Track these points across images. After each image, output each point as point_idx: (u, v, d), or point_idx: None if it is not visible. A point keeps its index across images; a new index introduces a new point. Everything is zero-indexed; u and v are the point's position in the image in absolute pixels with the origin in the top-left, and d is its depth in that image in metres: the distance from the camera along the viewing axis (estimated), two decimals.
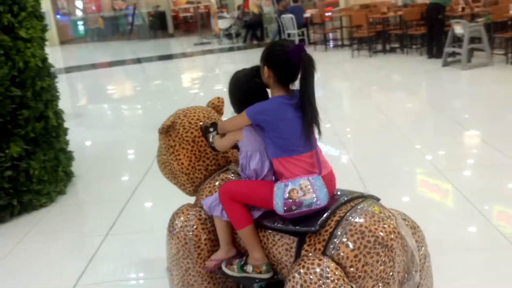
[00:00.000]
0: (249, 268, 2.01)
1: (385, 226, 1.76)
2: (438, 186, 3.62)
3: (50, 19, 21.85)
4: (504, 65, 7.58)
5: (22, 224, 3.51)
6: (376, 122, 5.45)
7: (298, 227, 1.87)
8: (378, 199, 1.97)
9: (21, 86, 3.48)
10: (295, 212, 1.86)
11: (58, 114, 4.06)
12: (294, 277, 1.73)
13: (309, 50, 10.19)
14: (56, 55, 19.27)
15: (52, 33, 21.89)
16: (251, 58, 12.10)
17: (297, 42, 11.96)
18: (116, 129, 6.32)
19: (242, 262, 2.03)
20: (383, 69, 8.75)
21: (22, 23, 3.54)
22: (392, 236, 1.75)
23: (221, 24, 14.98)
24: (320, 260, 1.71)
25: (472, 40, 7.78)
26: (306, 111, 1.94)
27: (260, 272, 1.99)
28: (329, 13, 12.31)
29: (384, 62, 9.26)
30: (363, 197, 1.95)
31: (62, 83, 11.74)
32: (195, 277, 2.12)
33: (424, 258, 1.94)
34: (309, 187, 1.86)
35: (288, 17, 11.98)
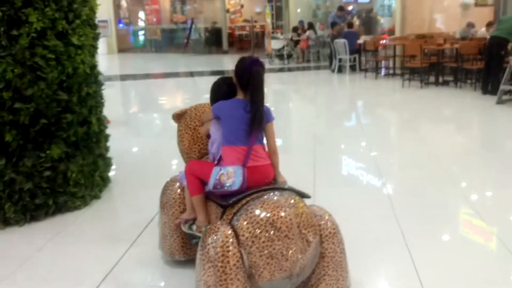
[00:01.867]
0: (193, 227, 2.64)
1: (282, 212, 2.17)
2: (476, 228, 3.43)
3: (112, 28, 22.75)
4: None
5: (55, 224, 3.59)
6: (420, 156, 5.25)
7: (222, 201, 2.39)
8: (304, 196, 2.40)
9: (68, 91, 3.59)
10: (219, 190, 2.42)
11: (101, 121, 4.17)
12: (201, 236, 2.28)
13: (360, 77, 10.18)
14: (113, 62, 19.98)
15: (111, 41, 22.77)
16: (298, 79, 12.11)
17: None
18: (159, 139, 6.41)
19: (191, 223, 2.66)
20: (433, 101, 8.52)
21: (76, 30, 3.66)
22: (284, 221, 2.15)
23: (274, 44, 15.09)
24: (219, 226, 2.21)
25: None
26: (252, 113, 2.47)
27: (200, 232, 2.54)
28: (384, 41, 12.18)
29: (435, 95, 9.02)
30: (290, 190, 2.39)
31: (115, 90, 12.29)
32: None
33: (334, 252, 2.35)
34: (232, 174, 2.40)
35: (341, 42, 11.92)
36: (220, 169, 2.44)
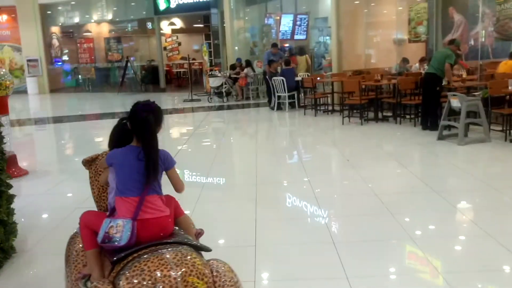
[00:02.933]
0: (89, 284, 2.43)
1: (166, 271, 2.04)
2: (417, 260, 3.36)
3: (42, 67, 21.74)
4: (502, 142, 7.21)
5: None
6: (361, 195, 5.04)
7: (111, 257, 2.23)
8: (203, 250, 2.33)
9: None
10: (107, 244, 2.27)
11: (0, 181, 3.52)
12: None
13: (299, 114, 9.94)
14: (44, 103, 18.95)
15: (43, 81, 21.72)
16: (237, 117, 11.76)
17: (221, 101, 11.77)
18: (86, 191, 5.74)
19: (87, 279, 2.44)
20: (374, 138, 8.36)
21: None
22: (167, 280, 2.02)
23: (212, 82, 14.74)
24: (99, 286, 2.08)
25: (468, 114, 7.45)
26: (145, 163, 2.35)
27: None
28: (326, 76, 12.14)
29: (375, 131, 8.89)
30: (186, 244, 2.27)
31: (44, 133, 11.45)
32: None
33: None
34: (121, 227, 2.25)
35: (278, 79, 11.73)
36: (110, 222, 2.30)
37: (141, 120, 2.40)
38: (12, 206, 3.80)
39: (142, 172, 2.35)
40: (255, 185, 5.59)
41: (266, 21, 16.78)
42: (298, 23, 15.53)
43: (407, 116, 9.50)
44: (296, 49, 15.68)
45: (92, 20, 22.42)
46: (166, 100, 17.93)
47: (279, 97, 12.01)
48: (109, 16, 22.08)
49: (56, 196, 5.61)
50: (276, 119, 11.43)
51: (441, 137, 7.51)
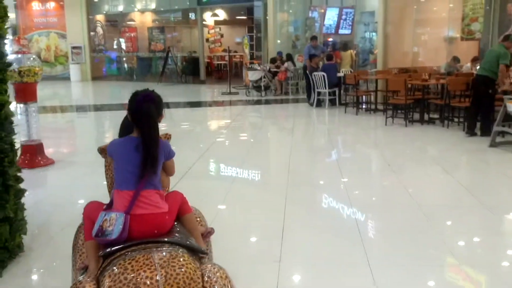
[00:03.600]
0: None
1: (149, 272, 1.91)
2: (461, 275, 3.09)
3: (86, 54, 21.97)
4: None
5: None
6: (400, 202, 4.65)
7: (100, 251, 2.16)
8: (199, 252, 2.22)
9: None
10: (100, 238, 2.17)
11: (7, 175, 3.26)
12: None
13: (340, 112, 9.45)
14: (85, 90, 19.13)
15: (85, 68, 21.96)
16: (275, 112, 11.37)
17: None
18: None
19: (84, 270, 2.29)
20: (418, 141, 7.80)
21: None
22: (149, 282, 1.89)
23: (251, 75, 14.38)
24: (83, 282, 2.00)
25: None
26: (143, 155, 2.25)
27: None
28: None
29: (420, 134, 8.31)
30: (179, 245, 2.14)
31: (82, 121, 11.43)
32: None
33: None
34: (114, 220, 2.16)
35: (319, 74, 11.25)
36: (105, 214, 2.21)
37: (141, 111, 2.30)
38: (27, 199, 3.56)
39: (138, 164, 2.25)
40: (286, 185, 5.26)
41: (310, 14, 16.26)
42: (343, 17, 14.98)
43: (456, 120, 8.86)
44: (340, 44, 15.12)
45: (136, 9, 22.44)
46: (204, 92, 17.74)
47: (319, 93, 11.53)
48: (153, 6, 22.04)
49: (80, 188, 5.38)
50: (314, 115, 10.97)
51: (493, 144, 6.89)
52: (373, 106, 10.91)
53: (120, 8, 22.53)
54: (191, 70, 20.87)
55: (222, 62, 23.20)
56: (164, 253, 2.01)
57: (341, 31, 14.92)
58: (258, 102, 13.46)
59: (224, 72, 22.40)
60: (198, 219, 2.70)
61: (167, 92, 17.37)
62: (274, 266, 3.30)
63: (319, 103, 11.66)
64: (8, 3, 3.47)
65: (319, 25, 15.71)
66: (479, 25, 11.01)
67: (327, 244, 3.73)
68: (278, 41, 16.62)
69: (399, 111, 9.53)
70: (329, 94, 11.39)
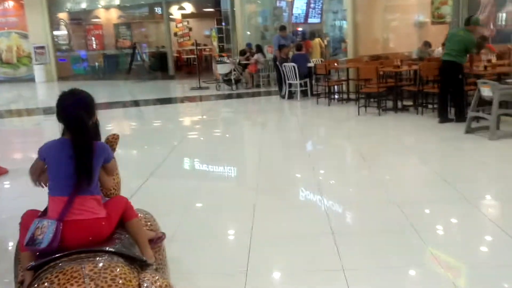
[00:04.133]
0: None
1: (72, 286, 1.76)
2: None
3: (50, 54, 21.19)
4: None
5: None
6: (376, 198, 4.36)
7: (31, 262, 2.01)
8: (139, 261, 2.06)
9: None
10: (31, 247, 2.04)
11: None
12: None
13: (312, 103, 9.15)
14: (51, 91, 18.41)
15: (50, 68, 21.19)
16: (247, 106, 11.03)
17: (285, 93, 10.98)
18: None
19: (20, 285, 2.12)
20: (392, 131, 7.57)
21: None
22: None
23: (220, 69, 13.97)
24: None
25: (500, 104, 6.58)
26: (76, 162, 2.12)
27: None
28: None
29: (394, 122, 8.08)
30: (116, 254, 2.00)
31: (47, 123, 10.84)
32: None
33: None
34: (45, 228, 2.03)
35: (289, 65, 10.93)
36: (38, 222, 2.08)
37: (70, 117, 2.18)
38: None
39: (72, 171, 2.12)
40: (256, 182, 5.07)
41: (278, 4, 15.92)
42: (312, 5, 14.69)
43: (430, 106, 8.64)
44: (310, 33, 14.82)
45: (100, 6, 21.75)
46: (174, 87, 17.28)
47: (290, 84, 11.21)
48: (117, 1, 21.38)
49: (33, 200, 4.94)
50: (286, 108, 10.66)
51: (469, 130, 6.67)
52: (345, 96, 10.65)
53: (83, 5, 21.79)
54: (159, 65, 20.33)
55: (192, 56, 22.70)
56: (96, 264, 1.87)
57: (310, 20, 14.63)
58: (229, 96, 13.09)
59: (194, 66, 21.93)
60: (148, 223, 2.57)
61: (135, 89, 16.89)
62: (240, 277, 2.97)
63: (291, 95, 11.35)
64: None
65: (287, 15, 15.38)
66: (448, 8, 10.84)
67: (298, 247, 3.42)
68: (248, 33, 16.24)
69: (372, 99, 9.28)
70: (301, 85, 11.08)
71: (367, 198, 4.43)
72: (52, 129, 10.26)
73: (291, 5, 14.99)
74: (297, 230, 3.76)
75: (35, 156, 2.33)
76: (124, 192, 2.71)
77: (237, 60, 14.34)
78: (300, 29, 15.67)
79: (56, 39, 21.82)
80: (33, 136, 9.47)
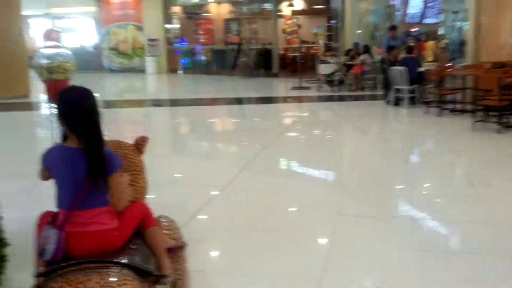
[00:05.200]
0: None
1: None
2: None
3: (162, 47, 21.90)
4: None
5: None
6: (482, 240, 3.45)
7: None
8: (149, 274, 1.98)
9: None
10: (42, 257, 1.99)
11: None
12: None
13: (420, 112, 8.20)
14: (159, 83, 19.04)
15: (161, 61, 21.92)
16: (347, 111, 10.28)
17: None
18: None
19: None
20: None
21: None
22: None
23: (323, 69, 13.29)
24: None
25: None
26: (87, 167, 1.99)
27: None
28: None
29: None
30: (125, 265, 1.93)
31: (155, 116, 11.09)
32: None
33: None
34: (50, 239, 1.96)
35: (398, 69, 9.97)
36: (46, 230, 2.00)
37: (82, 110, 2.01)
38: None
39: (80, 180, 1.99)
40: (341, 193, 4.68)
41: (391, 2, 14.83)
42: (429, 4, 13.42)
43: None
44: (425, 35, 13.60)
45: (212, 0, 22.04)
46: (275, 86, 16.95)
47: (397, 90, 10.24)
48: None
49: None
50: (390, 116, 9.75)
51: None
52: (459, 107, 9.47)
53: None
54: (264, 63, 20.08)
55: (298, 54, 22.20)
56: (103, 276, 1.82)
57: (426, 20, 13.40)
58: (329, 99, 12.39)
59: (300, 64, 21.43)
60: (171, 232, 2.44)
61: (238, 86, 16.80)
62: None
63: (397, 102, 10.37)
64: None
65: (401, 14, 14.26)
66: None
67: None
68: (359, 32, 15.37)
69: (491, 113, 8.07)
70: (409, 91, 10.07)
71: (474, 241, 3.59)
72: (157, 120, 10.44)
73: (405, 3, 13.86)
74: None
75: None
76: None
77: (342, 61, 13.56)
78: (415, 29, 14.47)
79: (169, 32, 22.50)
80: (140, 126, 9.68)
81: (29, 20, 29.25)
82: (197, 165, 6.19)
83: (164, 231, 2.39)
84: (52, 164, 2.08)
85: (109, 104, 11.56)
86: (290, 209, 4.45)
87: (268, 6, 20.68)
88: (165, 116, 11.05)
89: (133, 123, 10.17)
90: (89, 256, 1.94)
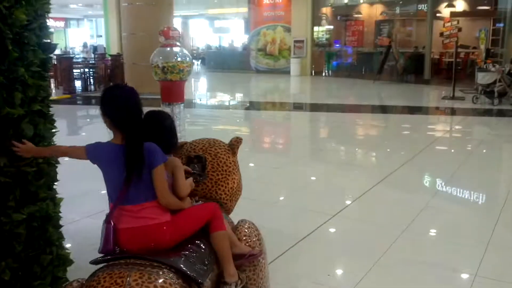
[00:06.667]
0: None
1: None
2: None
3: (307, 48, 21.52)
4: None
5: None
6: None
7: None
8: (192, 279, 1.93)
9: None
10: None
11: None
12: None
13: None
14: (305, 85, 18.67)
15: (306, 63, 21.55)
16: (504, 130, 8.74)
17: None
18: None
19: None
20: None
21: None
22: None
23: (481, 78, 11.62)
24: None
25: None
26: (126, 163, 2.01)
27: None
28: None
29: None
30: (166, 265, 1.90)
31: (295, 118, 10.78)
32: None
33: None
34: (103, 232, 2.05)
35: None
36: (103, 224, 2.07)
37: (124, 107, 2.04)
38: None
39: (121, 175, 2.00)
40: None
41: None
42: None
43: None
44: None
45: (362, 1, 21.05)
46: (424, 94, 15.49)
47: None
48: None
49: None
50: None
51: None
52: None
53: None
54: (414, 68, 18.53)
55: (453, 60, 20.14)
56: (143, 274, 1.79)
57: None
58: (486, 113, 10.78)
59: (455, 71, 19.39)
60: (249, 239, 2.38)
61: (382, 91, 15.66)
62: None
63: None
64: None
65: None
66: None
67: None
68: None
69: None
70: None
71: None
72: (298, 125, 10.05)
73: None
74: None
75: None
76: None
77: (507, 69, 11.71)
78: None
79: (316, 34, 22.05)
80: (279, 127, 9.53)
81: (189, 21, 31.10)
82: (331, 172, 5.86)
83: (243, 237, 2.37)
84: (100, 158, 2.09)
85: (253, 105, 11.80)
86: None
87: (423, 7, 19.05)
88: (301, 121, 10.59)
89: (272, 125, 9.91)
90: (141, 251, 1.96)
